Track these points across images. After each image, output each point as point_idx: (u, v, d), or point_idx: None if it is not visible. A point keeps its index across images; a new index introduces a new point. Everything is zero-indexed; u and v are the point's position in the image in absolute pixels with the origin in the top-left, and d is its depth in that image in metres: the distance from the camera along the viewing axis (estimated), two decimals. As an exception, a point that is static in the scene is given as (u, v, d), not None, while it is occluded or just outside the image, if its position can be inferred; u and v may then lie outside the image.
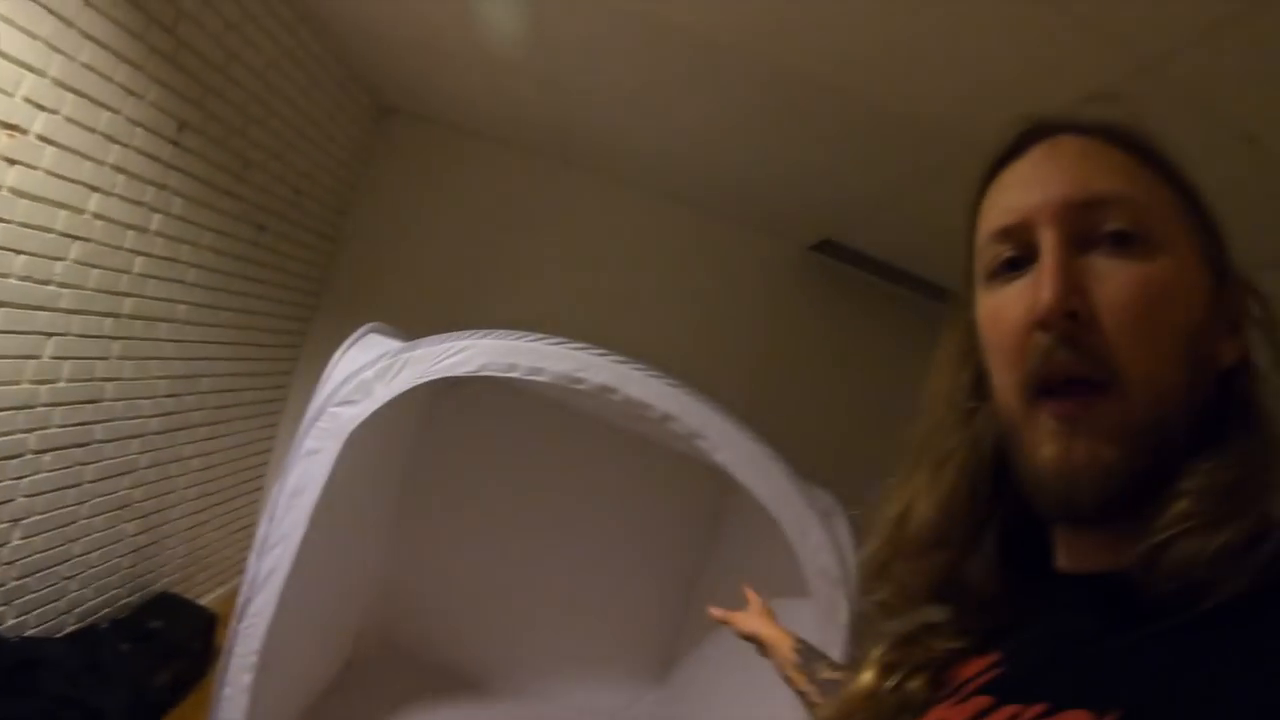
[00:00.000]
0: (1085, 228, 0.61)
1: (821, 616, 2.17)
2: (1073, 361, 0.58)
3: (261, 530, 2.09)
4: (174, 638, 2.55)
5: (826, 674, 1.17)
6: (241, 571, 2.15)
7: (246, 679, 2.11)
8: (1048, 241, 0.61)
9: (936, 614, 0.71)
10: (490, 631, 3.62)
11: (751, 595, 1.46)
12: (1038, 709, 0.53)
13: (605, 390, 2.14)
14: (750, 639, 1.32)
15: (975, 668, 0.65)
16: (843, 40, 1.84)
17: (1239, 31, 1.36)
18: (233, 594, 2.30)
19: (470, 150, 3.61)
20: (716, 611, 1.42)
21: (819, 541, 2.18)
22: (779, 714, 2.27)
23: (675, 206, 3.70)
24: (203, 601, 2.98)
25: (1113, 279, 0.59)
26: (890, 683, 0.69)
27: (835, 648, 2.16)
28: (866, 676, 0.71)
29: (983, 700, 0.60)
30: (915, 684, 0.68)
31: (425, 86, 3.15)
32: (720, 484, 2.27)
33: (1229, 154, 1.73)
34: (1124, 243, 0.60)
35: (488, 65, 2.69)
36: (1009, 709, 0.56)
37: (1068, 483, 0.59)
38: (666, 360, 3.39)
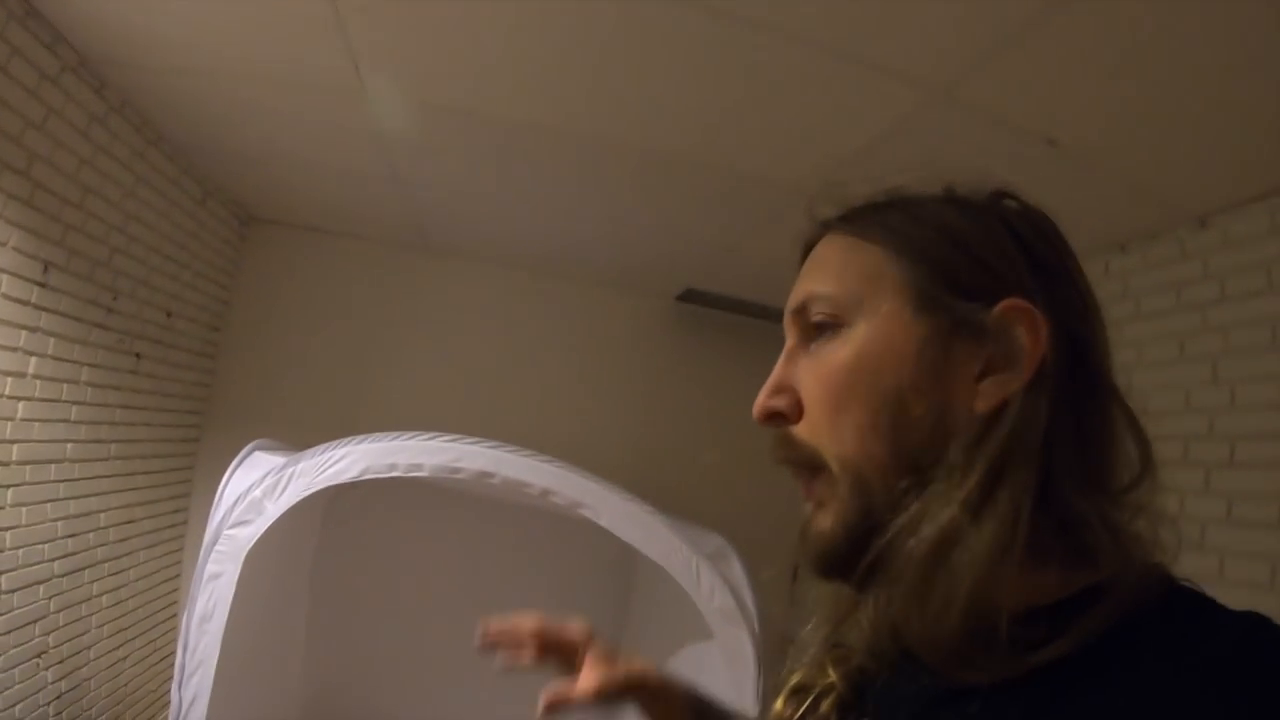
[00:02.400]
0: (804, 330, 0.66)
1: (728, 655, 2.31)
2: (784, 452, 0.65)
3: (179, 660, 2.12)
4: (111, 780, 2.47)
5: None
6: (168, 704, 2.15)
7: None
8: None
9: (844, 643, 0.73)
10: (421, 716, 3.60)
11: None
12: None
13: (483, 475, 2.25)
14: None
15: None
16: (665, 111, 2.02)
17: (1015, 53, 1.53)
18: None
19: (336, 250, 3.67)
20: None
21: (711, 583, 2.31)
22: None
23: (541, 277, 3.84)
24: (135, 739, 2.89)
25: (807, 372, 0.65)
26: (802, 708, 0.72)
27: (746, 684, 2.30)
28: (777, 705, 0.74)
29: None
30: (825, 705, 0.71)
31: (283, 194, 3.22)
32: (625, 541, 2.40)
33: (1034, 160, 1.91)
34: (824, 331, 0.64)
35: (337, 169, 2.80)
36: None
37: (807, 548, 0.64)
38: (554, 427, 3.55)
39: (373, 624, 3.57)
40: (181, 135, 2.64)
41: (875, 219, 0.66)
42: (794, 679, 0.74)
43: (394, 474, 2.21)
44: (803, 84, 1.77)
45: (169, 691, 2.16)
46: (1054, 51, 1.52)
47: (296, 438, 2.69)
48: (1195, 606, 0.53)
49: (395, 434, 2.25)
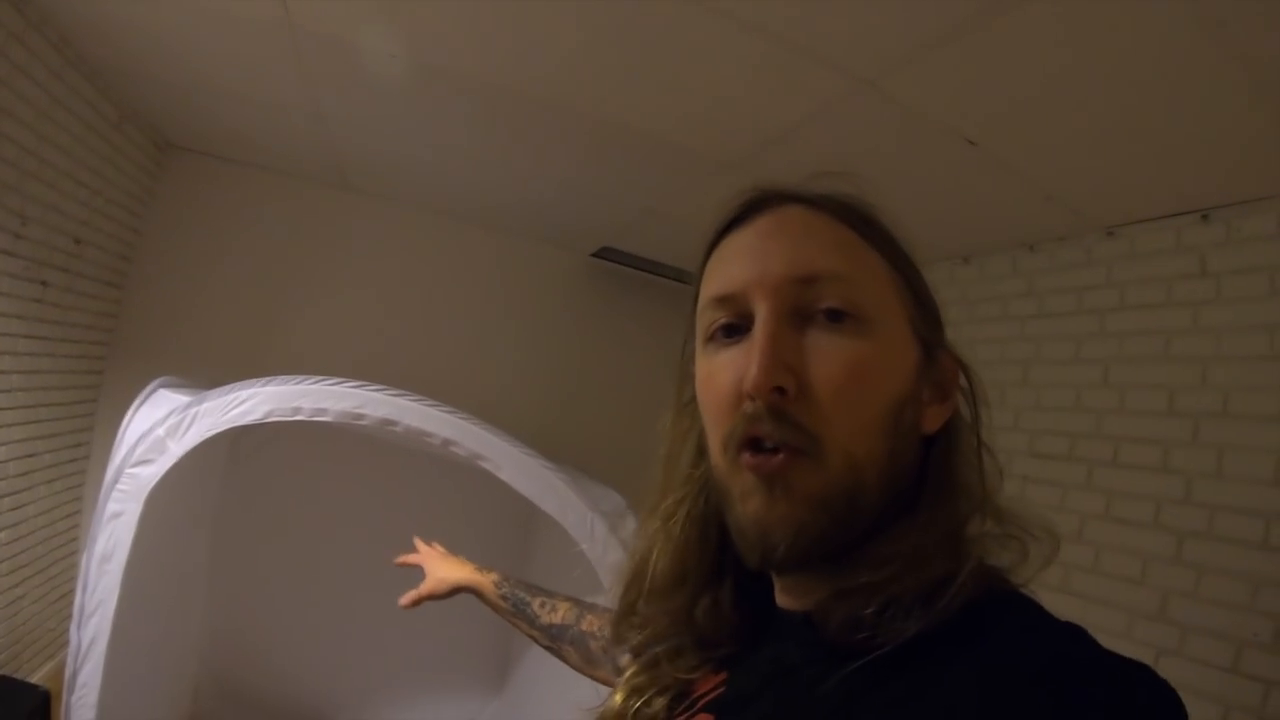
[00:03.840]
0: (802, 303, 0.64)
1: None
2: (776, 430, 0.61)
3: (78, 600, 2.09)
4: (9, 721, 2.41)
5: (548, 617, 1.25)
6: (67, 643, 2.12)
7: None
8: (762, 314, 0.64)
9: (680, 642, 0.76)
10: (327, 664, 3.63)
11: (420, 543, 1.60)
12: None
13: (387, 423, 2.26)
14: (452, 591, 1.40)
15: (707, 685, 0.73)
16: (592, 73, 2.01)
17: (948, 51, 1.57)
18: (61, 667, 2.23)
19: (254, 184, 3.55)
20: (400, 559, 1.56)
21: (605, 539, 2.38)
22: (600, 699, 2.49)
23: (460, 224, 3.79)
24: (33, 679, 2.81)
25: (825, 354, 0.63)
26: (636, 703, 0.76)
27: None
28: (617, 698, 0.78)
29: (706, 717, 0.69)
30: (658, 704, 0.75)
31: (203, 123, 3.09)
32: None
33: (954, 157, 1.97)
34: (838, 319, 0.63)
35: (259, 102, 2.71)
36: None
37: (763, 536, 0.63)
38: (465, 375, 3.55)
39: (274, 566, 3.55)
40: (102, 56, 2.51)
41: (868, 226, 0.69)
42: (634, 678, 0.78)
43: (298, 418, 2.21)
44: (731, 59, 1.78)
45: (68, 631, 2.13)
46: (982, 56, 1.56)
47: (204, 375, 2.64)
48: (1021, 609, 0.59)
49: (301, 377, 2.24)
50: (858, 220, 0.69)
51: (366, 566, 3.59)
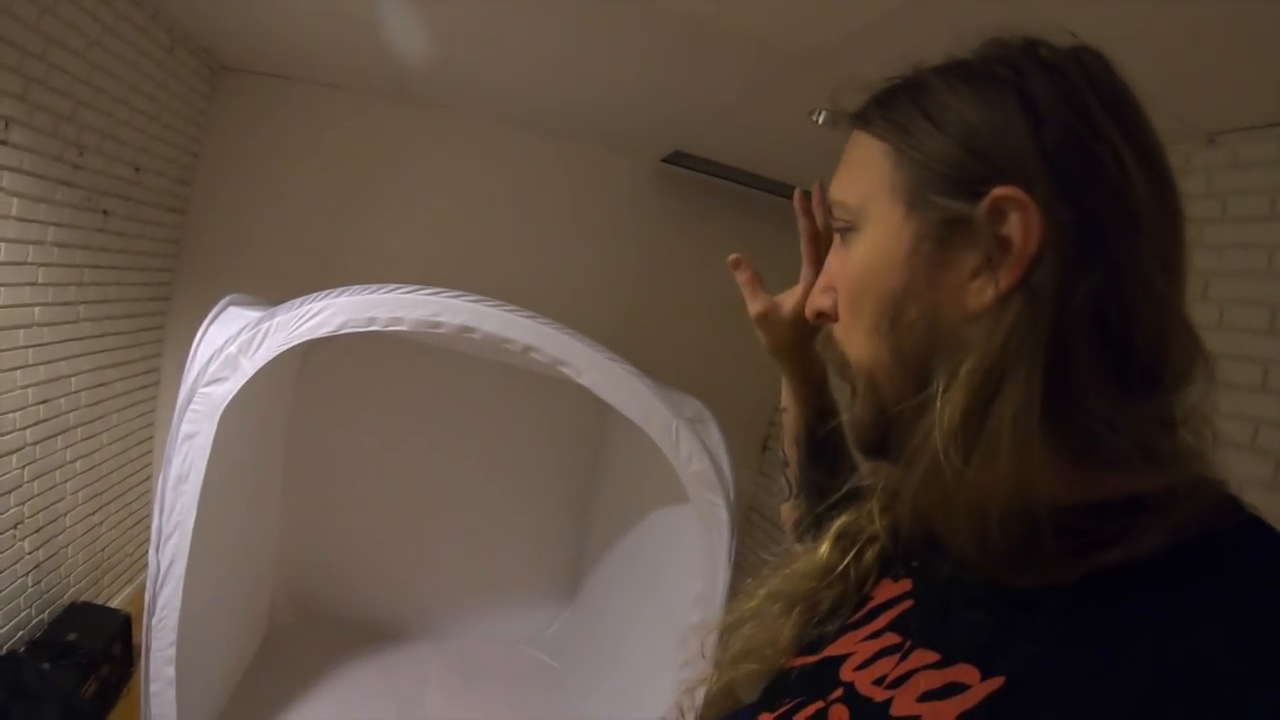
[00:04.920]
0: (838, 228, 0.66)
1: (703, 521, 2.33)
2: (826, 350, 0.68)
3: (155, 523, 2.08)
4: (92, 646, 2.50)
5: (818, 477, 1.00)
6: (145, 567, 2.13)
7: (169, 671, 2.13)
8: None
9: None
10: (400, 578, 3.68)
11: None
12: (932, 657, 0.55)
13: (465, 330, 2.20)
14: (791, 331, 0.94)
15: (888, 593, 0.66)
16: None
17: None
18: (141, 591, 2.27)
19: (311, 100, 3.46)
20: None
21: (690, 448, 2.31)
22: (677, 610, 2.47)
23: (526, 132, 3.66)
24: (114, 604, 2.92)
25: (836, 275, 0.66)
26: (848, 555, 0.70)
27: (720, 551, 2.33)
28: (822, 550, 0.72)
29: (892, 638, 0.61)
30: (870, 556, 0.69)
31: (257, 40, 2.99)
32: (600, 401, 2.38)
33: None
34: (847, 234, 0.64)
35: (314, 12, 2.59)
36: (914, 655, 0.57)
37: (848, 429, 0.68)
38: (535, 285, 3.47)
39: (346, 482, 3.58)
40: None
41: (882, 112, 0.62)
42: (839, 523, 0.72)
43: (373, 328, 2.16)
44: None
45: (147, 555, 2.15)
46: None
47: (271, 293, 2.57)
48: (1271, 540, 0.49)
49: (375, 287, 2.17)
50: (874, 110, 0.63)
51: (437, 481, 3.64)
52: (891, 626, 0.62)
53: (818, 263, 0.88)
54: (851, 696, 0.59)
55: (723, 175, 3.62)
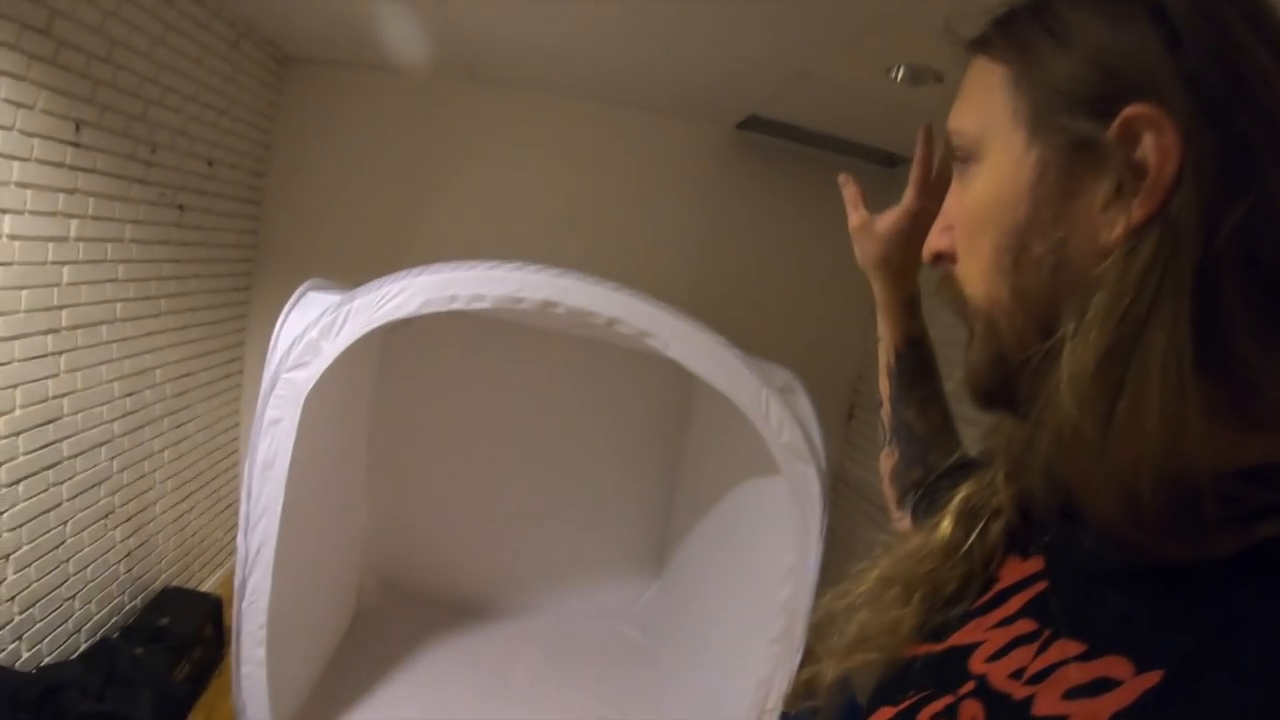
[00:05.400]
0: (956, 162, 0.62)
1: (795, 492, 2.27)
2: (944, 290, 0.61)
3: (243, 508, 2.12)
4: (184, 630, 2.59)
5: (909, 415, 0.99)
6: (234, 551, 2.18)
7: (260, 653, 2.18)
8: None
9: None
10: (487, 556, 3.72)
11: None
12: (1077, 648, 0.49)
13: (548, 305, 2.16)
14: (884, 250, 0.96)
15: (1018, 573, 0.60)
16: None
17: None
18: (231, 574, 2.33)
19: (377, 85, 3.48)
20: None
21: (780, 418, 2.24)
22: (768, 583, 2.43)
23: (596, 105, 3.61)
24: (204, 588, 3.03)
25: (953, 211, 0.61)
26: (973, 531, 0.64)
27: (812, 522, 2.27)
28: (944, 526, 0.65)
29: (1027, 625, 0.55)
30: (995, 530, 0.63)
31: (321, 29, 3.02)
32: (683, 374, 2.34)
33: None
34: (965, 168, 0.60)
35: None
36: (1055, 646, 0.51)
37: (964, 379, 0.61)
38: (611, 259, 3.43)
39: (431, 461, 3.63)
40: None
41: (1002, 34, 0.58)
42: (960, 494, 0.66)
43: (454, 306, 2.14)
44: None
45: (234, 540, 2.20)
46: None
47: (349, 279, 2.57)
48: None
49: (455, 265, 2.15)
50: (995, 33, 0.58)
51: (523, 458, 3.65)
52: (1025, 612, 0.56)
53: (922, 188, 0.91)
54: (985, 691, 0.54)
55: (799, 139, 3.52)
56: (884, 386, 1.01)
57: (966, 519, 0.64)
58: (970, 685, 0.55)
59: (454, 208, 3.63)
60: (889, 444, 1.01)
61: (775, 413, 2.24)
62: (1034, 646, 0.53)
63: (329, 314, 2.11)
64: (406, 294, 2.12)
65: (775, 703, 2.30)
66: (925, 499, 0.84)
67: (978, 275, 0.57)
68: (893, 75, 2.36)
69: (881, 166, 3.50)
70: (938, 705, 0.56)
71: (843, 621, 0.70)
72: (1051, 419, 0.49)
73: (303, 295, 2.29)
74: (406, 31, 2.85)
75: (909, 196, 0.91)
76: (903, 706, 0.59)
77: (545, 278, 2.16)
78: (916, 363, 0.98)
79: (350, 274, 2.62)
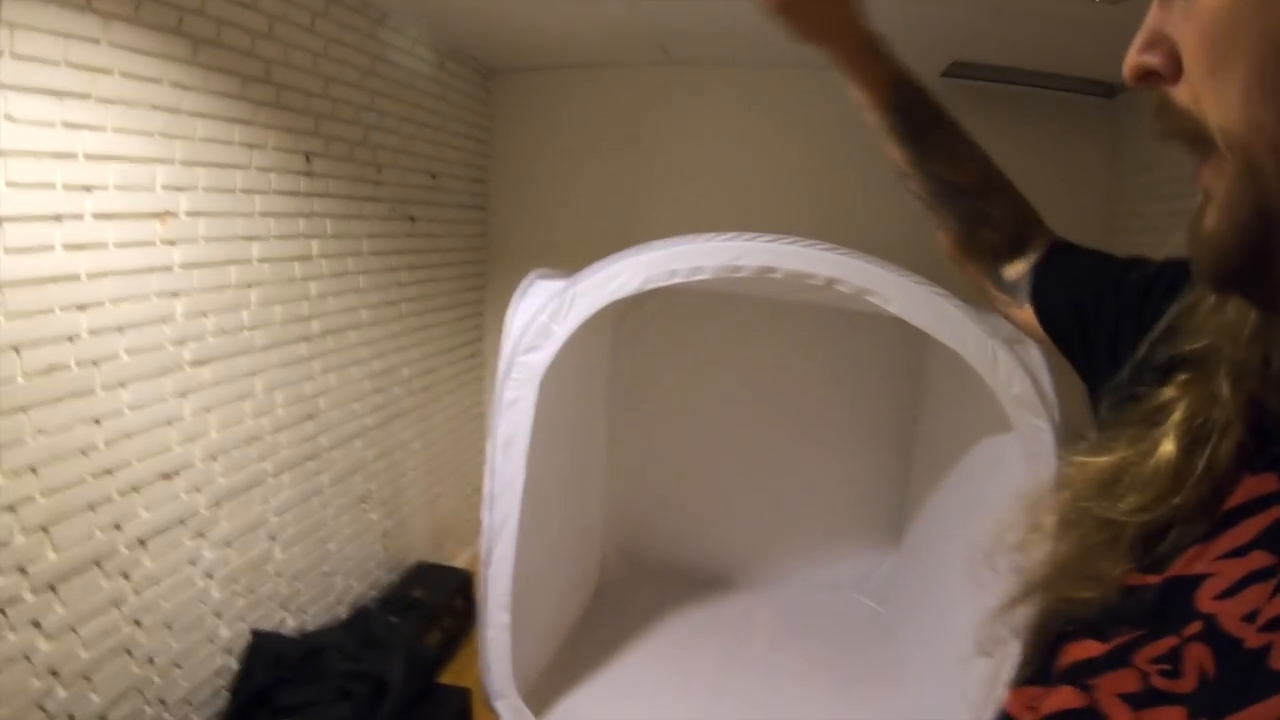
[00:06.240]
0: None
1: (1027, 448, 2.13)
2: (1163, 123, 0.46)
3: (487, 486, 2.28)
4: (435, 601, 2.86)
5: (939, 168, 0.89)
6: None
7: (504, 618, 2.35)
8: None
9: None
10: (724, 528, 3.77)
11: None
12: None
13: (765, 271, 2.16)
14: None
15: (1250, 491, 0.50)
16: None
17: None
18: (479, 552, 2.53)
19: (580, 82, 3.64)
20: None
21: (1009, 369, 2.12)
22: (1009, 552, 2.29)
23: (795, 71, 3.56)
24: (455, 564, 3.31)
25: (1182, 18, 0.46)
26: (1202, 453, 0.51)
27: (1047, 478, 2.11)
28: (1167, 446, 0.52)
29: (1263, 558, 0.46)
30: (1226, 448, 0.50)
31: (521, 39, 3.20)
32: (914, 335, 2.25)
33: None
34: None
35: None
36: None
37: (1195, 251, 0.47)
38: (828, 225, 3.35)
39: (666, 437, 3.73)
40: (405, 5, 2.67)
41: None
42: (1179, 411, 0.52)
43: (675, 280, 2.20)
44: None
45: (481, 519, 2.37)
46: None
47: (573, 266, 2.60)
48: None
49: (672, 240, 2.21)
50: None
51: (756, 430, 3.68)
52: (1260, 542, 0.46)
53: None
54: (1215, 635, 0.45)
55: (1006, 79, 3.29)
56: (893, 154, 0.89)
57: (1191, 439, 0.51)
58: (1197, 626, 0.46)
59: (667, 188, 3.72)
60: (937, 217, 0.90)
61: (1004, 364, 2.12)
62: (1270, 585, 0.44)
63: (556, 299, 2.23)
64: (628, 273, 2.20)
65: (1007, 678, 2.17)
66: (1111, 404, 0.65)
67: (1234, 99, 0.43)
68: (1093, -1, 2.15)
69: (1099, 97, 3.19)
70: (1158, 647, 0.48)
71: (1046, 551, 0.60)
72: None
73: (531, 284, 2.43)
74: (602, 28, 2.96)
75: None
76: (1113, 645, 0.51)
77: (761, 244, 2.16)
78: (916, 103, 0.86)
79: (574, 262, 2.71)
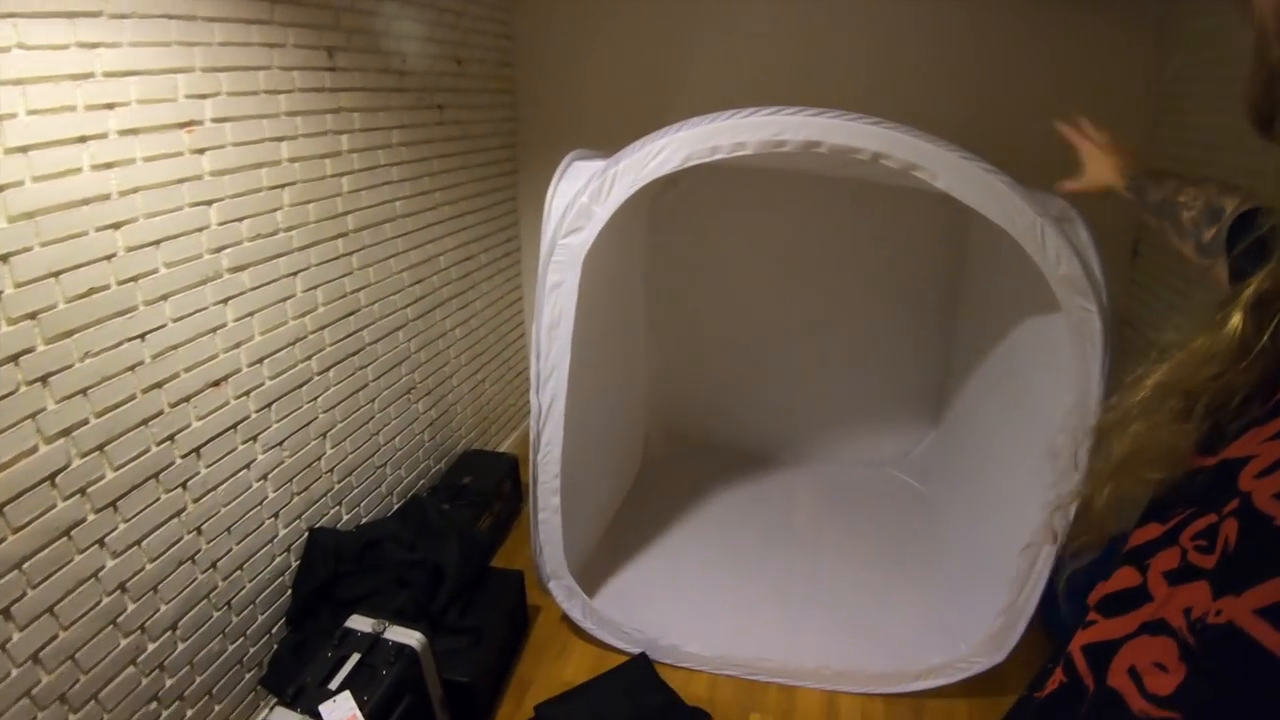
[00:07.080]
0: None
1: (1074, 329, 2.12)
2: None
3: (533, 368, 2.34)
4: (484, 487, 2.95)
5: (1178, 209, 1.07)
6: (527, 413, 2.40)
7: (555, 500, 2.44)
8: None
9: None
10: (766, 406, 3.85)
11: (1087, 126, 1.53)
12: None
13: (810, 145, 2.12)
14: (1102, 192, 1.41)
15: None
16: None
17: None
18: (525, 435, 2.59)
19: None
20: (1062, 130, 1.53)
21: (1057, 248, 2.09)
22: (1047, 428, 2.30)
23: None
24: (501, 449, 3.42)
25: None
26: (1266, 332, 0.52)
27: (1093, 362, 2.11)
28: (1234, 319, 0.53)
29: None
30: None
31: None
32: (957, 212, 2.20)
33: None
34: None
35: None
36: None
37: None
38: (869, 93, 3.23)
39: (707, 316, 3.79)
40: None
41: None
42: (1253, 286, 0.53)
43: (717, 157, 2.16)
44: None
45: (526, 402, 2.42)
46: None
47: (609, 147, 2.56)
48: None
49: (713, 116, 2.16)
50: None
51: (796, 308, 3.70)
52: None
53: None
54: (1246, 510, 0.46)
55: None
56: (1163, 227, 1.11)
57: (1258, 312, 0.52)
58: (1235, 503, 0.47)
59: (703, 64, 3.59)
60: (1169, 227, 1.09)
61: (1052, 243, 2.08)
62: None
63: (596, 179, 2.23)
64: (670, 150, 2.17)
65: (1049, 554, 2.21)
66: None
67: None
68: None
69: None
70: (1201, 523, 0.50)
71: (1116, 438, 0.61)
72: None
73: (569, 165, 2.41)
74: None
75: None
76: (1170, 525, 0.53)
77: (805, 118, 2.11)
78: (1148, 178, 1.17)
79: (609, 143, 2.64)
